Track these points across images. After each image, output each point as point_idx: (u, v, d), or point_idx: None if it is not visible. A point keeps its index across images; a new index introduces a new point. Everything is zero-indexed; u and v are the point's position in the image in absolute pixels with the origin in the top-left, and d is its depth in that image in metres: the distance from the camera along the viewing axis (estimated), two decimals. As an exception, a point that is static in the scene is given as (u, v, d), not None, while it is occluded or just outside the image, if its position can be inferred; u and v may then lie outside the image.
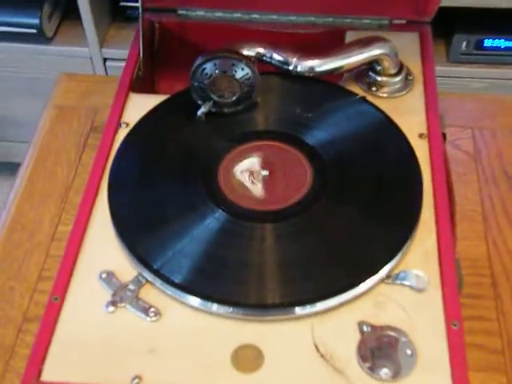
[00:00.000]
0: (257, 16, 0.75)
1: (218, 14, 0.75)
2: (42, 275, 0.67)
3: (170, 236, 0.55)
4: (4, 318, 0.64)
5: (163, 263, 0.53)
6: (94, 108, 0.83)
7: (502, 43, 1.15)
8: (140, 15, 0.69)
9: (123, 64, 1.14)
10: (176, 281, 0.52)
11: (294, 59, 0.63)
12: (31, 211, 0.72)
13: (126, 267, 0.55)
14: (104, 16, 1.24)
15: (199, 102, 0.61)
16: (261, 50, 0.63)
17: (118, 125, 0.65)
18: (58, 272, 0.55)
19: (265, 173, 0.58)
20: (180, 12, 0.76)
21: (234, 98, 0.60)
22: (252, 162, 0.58)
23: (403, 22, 0.75)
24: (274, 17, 0.75)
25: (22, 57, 1.27)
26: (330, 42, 0.73)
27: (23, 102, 1.37)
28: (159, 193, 0.58)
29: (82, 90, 0.85)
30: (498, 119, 0.81)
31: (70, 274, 0.54)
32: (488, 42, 1.14)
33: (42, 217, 0.72)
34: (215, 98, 0.60)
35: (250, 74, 0.59)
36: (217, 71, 0.58)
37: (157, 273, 0.53)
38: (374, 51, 0.64)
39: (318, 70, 0.63)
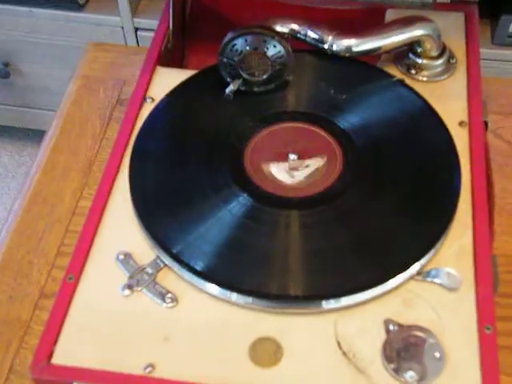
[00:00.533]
0: (294, -10, 0.72)
1: (252, -13, 0.72)
2: (60, 251, 0.65)
3: (192, 220, 0.52)
4: (21, 293, 0.62)
5: (183, 248, 0.51)
6: (122, 80, 0.80)
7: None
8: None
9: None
10: (195, 267, 0.50)
11: (330, 37, 0.59)
12: (53, 183, 0.71)
13: (144, 249, 0.53)
14: (137, -15, 1.21)
15: (228, 80, 0.58)
16: (295, 27, 0.59)
17: (144, 99, 0.62)
18: (74, 251, 0.53)
19: (293, 157, 0.55)
20: (210, -17, 0.72)
21: (264, 77, 0.57)
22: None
23: (448, 0, 0.70)
24: (315, -9, 0.71)
25: (54, 24, 1.25)
26: (368, 20, 0.70)
27: (54, 70, 1.35)
28: (182, 174, 0.55)
29: (109, 60, 0.83)
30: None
31: (87, 254, 0.52)
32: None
33: (64, 190, 0.70)
34: (245, 75, 0.57)
35: (282, 51, 0.55)
36: (248, 48, 0.55)
37: (175, 257, 0.50)
38: (416, 32, 0.60)
39: (355, 49, 0.60)
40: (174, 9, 0.68)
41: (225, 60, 0.56)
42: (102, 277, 0.51)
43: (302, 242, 0.51)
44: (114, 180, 0.57)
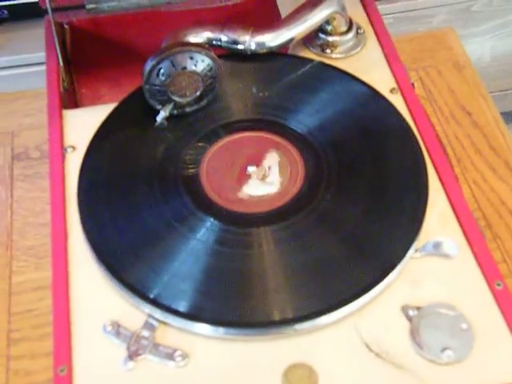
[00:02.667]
0: (176, -5, 0.68)
1: (133, 1, 0.67)
2: (11, 338, 0.58)
3: (170, 261, 0.48)
4: (-17, 399, 0.55)
5: (178, 300, 0.46)
6: (8, 133, 0.73)
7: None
8: (51, 17, 0.60)
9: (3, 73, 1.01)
10: (195, 314, 0.46)
11: (247, 37, 0.56)
12: (-25, 267, 0.63)
13: (129, 312, 0.48)
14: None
15: (158, 107, 0.53)
16: (209, 34, 0.56)
17: (64, 150, 0.56)
18: (55, 338, 0.47)
19: (252, 169, 0.52)
20: (89, 7, 0.66)
21: (197, 94, 0.53)
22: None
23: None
24: (196, -8, 0.68)
25: None
26: (261, 9, 0.68)
27: None
28: (143, 215, 0.50)
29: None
30: (437, 55, 0.78)
31: (69, 336, 0.46)
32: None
33: (-10, 272, 0.62)
34: (176, 98, 0.53)
35: (210, 63, 0.52)
36: (175, 69, 0.51)
37: (171, 311, 0.46)
38: (325, 11, 0.59)
39: (273, 44, 0.57)
40: (59, 43, 0.62)
41: (152, 88, 0.52)
42: (96, 356, 0.46)
43: (291, 257, 0.49)
44: (65, 245, 0.51)
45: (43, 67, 0.63)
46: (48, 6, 0.59)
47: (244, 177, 0.52)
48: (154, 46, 0.60)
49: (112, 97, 0.62)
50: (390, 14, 1.15)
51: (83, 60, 0.68)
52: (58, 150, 0.56)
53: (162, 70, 0.51)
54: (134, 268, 0.48)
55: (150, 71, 0.51)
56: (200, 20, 0.64)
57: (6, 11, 1.11)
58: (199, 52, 0.51)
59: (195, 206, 0.51)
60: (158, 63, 0.50)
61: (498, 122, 0.72)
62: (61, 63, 0.62)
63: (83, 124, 0.58)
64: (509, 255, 0.62)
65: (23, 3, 1.11)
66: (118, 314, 0.47)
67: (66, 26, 0.66)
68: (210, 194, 0.51)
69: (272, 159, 0.53)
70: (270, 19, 0.65)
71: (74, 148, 0.56)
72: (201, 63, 0.51)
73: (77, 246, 0.51)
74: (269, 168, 0.52)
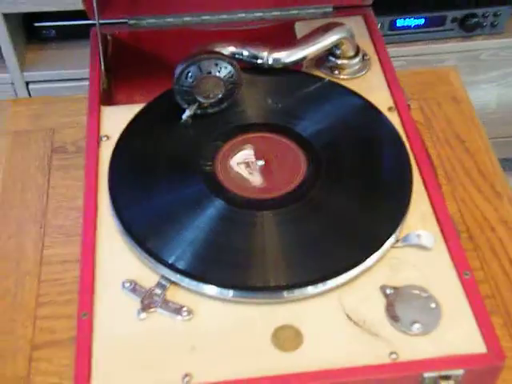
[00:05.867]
0: (207, 17, 0.77)
1: (169, 20, 0.77)
2: (39, 301, 0.66)
3: (186, 234, 0.56)
4: (10, 351, 0.62)
5: (187, 263, 0.54)
6: (50, 129, 0.82)
7: (411, 22, 1.22)
8: (97, 29, 0.69)
9: (47, 85, 1.13)
10: (203, 277, 0.53)
11: (265, 53, 0.65)
12: (11, 239, 0.71)
13: (146, 273, 0.55)
14: (20, 39, 1.21)
15: (185, 106, 0.62)
16: (232, 49, 0.65)
17: (99, 139, 0.65)
18: (80, 288, 0.54)
19: (261, 163, 0.60)
20: (131, 22, 0.76)
21: (219, 96, 0.61)
22: (246, 154, 0.60)
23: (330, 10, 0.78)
24: (224, 16, 0.77)
25: None
26: (280, 34, 0.76)
27: None
28: (165, 195, 0.59)
29: (31, 113, 0.84)
30: (438, 89, 0.86)
31: (92, 289, 0.54)
32: (399, 22, 1.21)
33: (24, 244, 0.70)
34: (201, 99, 0.61)
35: (232, 71, 0.60)
36: (201, 73, 0.59)
37: (182, 273, 0.54)
38: (335, 36, 0.68)
39: (288, 60, 0.66)
40: (102, 51, 0.71)
41: (180, 88, 0.60)
42: (114, 307, 0.53)
43: (294, 235, 0.57)
44: (95, 218, 0.59)
45: (81, 83, 0.71)
46: (96, 18, 0.69)
47: (253, 169, 0.60)
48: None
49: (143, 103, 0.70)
50: (402, 56, 1.24)
51: (121, 68, 0.77)
52: (95, 137, 0.65)
53: (190, 73, 0.59)
54: (153, 237, 0.56)
55: (180, 73, 0.59)
56: (224, 38, 0.73)
57: (53, 31, 1.23)
58: (223, 60, 0.60)
59: (209, 191, 0.59)
60: (188, 67, 0.59)
61: (487, 150, 0.80)
62: (102, 67, 0.71)
63: (117, 118, 0.66)
64: (487, 264, 0.68)
65: (69, 25, 1.22)
66: (136, 275, 0.55)
67: (109, 38, 0.76)
68: (223, 182, 0.60)
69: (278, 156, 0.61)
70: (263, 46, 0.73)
71: (108, 137, 0.65)
72: (224, 70, 0.60)
73: (105, 219, 0.59)
74: (274, 163, 0.60)
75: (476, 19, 1.20)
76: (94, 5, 0.68)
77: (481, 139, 0.81)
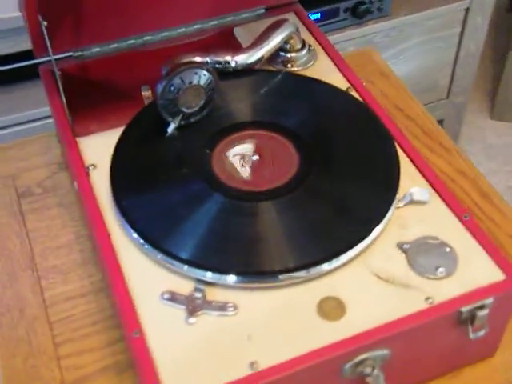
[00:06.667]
0: (149, 37, 0.79)
1: (113, 46, 0.78)
2: (56, 342, 0.65)
3: (211, 236, 0.58)
4: (43, 397, 0.61)
5: (223, 262, 0.56)
6: (9, 176, 0.80)
7: (308, 17, 1.29)
8: (54, 64, 0.70)
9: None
10: (246, 272, 0.56)
11: (229, 57, 0.68)
12: (7, 290, 0.69)
13: (177, 281, 0.57)
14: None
15: (169, 119, 0.63)
16: (198, 59, 0.67)
17: (86, 169, 0.65)
18: (122, 310, 0.55)
19: (256, 157, 0.63)
20: (76, 54, 0.76)
21: (201, 103, 0.64)
22: (242, 149, 0.64)
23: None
24: (166, 33, 0.79)
25: None
26: (224, 41, 0.80)
27: None
28: (172, 197, 0.61)
29: (-18, 164, 0.82)
30: (367, 68, 0.93)
31: (133, 308, 0.55)
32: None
33: (22, 291, 0.69)
34: (185, 110, 0.63)
35: (210, 78, 0.63)
36: (184, 84, 0.62)
37: (217, 271, 0.56)
38: (286, 31, 0.72)
39: (250, 61, 0.70)
40: (58, 88, 0.71)
41: (165, 102, 0.62)
42: (160, 319, 0.54)
43: (310, 216, 0.60)
44: (110, 242, 0.59)
45: (27, 125, 0.70)
46: (50, 53, 0.69)
47: (246, 164, 0.64)
48: (135, 83, 0.72)
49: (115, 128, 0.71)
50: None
51: (73, 101, 0.77)
52: (81, 169, 0.65)
53: (172, 87, 0.61)
54: (185, 247, 0.58)
55: (164, 88, 0.61)
56: (171, 56, 0.75)
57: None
58: (201, 68, 0.62)
59: (212, 189, 0.62)
60: (170, 80, 0.61)
61: (425, 113, 0.87)
62: (64, 102, 0.71)
63: (96, 146, 0.67)
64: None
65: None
66: (169, 285, 0.56)
67: (58, 73, 0.76)
68: (223, 179, 0.62)
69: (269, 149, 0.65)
70: (233, 48, 0.77)
71: (94, 166, 0.66)
72: (203, 77, 0.63)
73: (120, 240, 0.60)
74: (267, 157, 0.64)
75: (365, 6, 1.29)
76: (47, 40, 0.68)
77: (416, 105, 0.88)
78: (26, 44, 0.80)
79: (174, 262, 0.56)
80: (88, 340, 0.65)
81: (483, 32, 1.49)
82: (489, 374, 0.61)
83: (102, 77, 0.78)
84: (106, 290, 0.68)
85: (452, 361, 0.60)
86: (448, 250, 0.58)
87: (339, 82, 0.73)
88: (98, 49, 0.77)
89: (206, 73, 0.62)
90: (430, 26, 1.39)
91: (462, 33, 1.45)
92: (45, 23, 0.67)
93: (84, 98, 0.76)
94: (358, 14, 1.30)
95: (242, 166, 0.63)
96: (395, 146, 0.65)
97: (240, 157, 0.64)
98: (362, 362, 0.53)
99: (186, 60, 0.66)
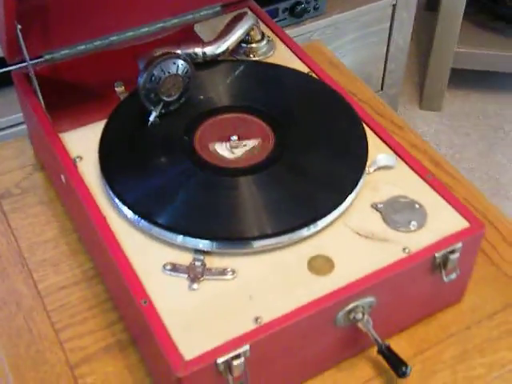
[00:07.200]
0: (115, 37, 0.83)
1: (81, 48, 0.81)
2: (56, 328, 0.68)
3: (206, 207, 0.63)
4: (54, 378, 0.64)
5: (221, 229, 0.61)
6: (-15, 180, 0.82)
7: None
8: (30, 68, 0.73)
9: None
10: (242, 237, 0.61)
11: (199, 49, 0.73)
12: (1, 286, 0.71)
13: (176, 252, 0.61)
14: None
15: (151, 108, 0.68)
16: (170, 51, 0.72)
17: (74, 161, 0.69)
18: (128, 281, 0.59)
19: (234, 138, 0.68)
20: (47, 57, 0.79)
21: (181, 91, 0.68)
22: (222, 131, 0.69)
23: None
24: (130, 33, 0.83)
25: None
26: (187, 38, 0.84)
27: None
28: (168, 182, 0.65)
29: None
30: (316, 59, 0.98)
31: (138, 279, 0.59)
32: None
33: (15, 285, 0.71)
34: (165, 98, 0.68)
35: (187, 66, 0.67)
36: (164, 73, 0.66)
37: (215, 239, 0.60)
38: (247, 23, 0.78)
39: (218, 51, 0.75)
40: (35, 90, 0.74)
41: (147, 92, 0.66)
42: (165, 288, 0.58)
43: (294, 185, 0.66)
44: (107, 224, 0.63)
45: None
46: (27, 58, 0.72)
47: (227, 143, 0.69)
48: (105, 81, 0.76)
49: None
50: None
51: (49, 101, 0.80)
52: (70, 161, 0.68)
53: (153, 77, 0.66)
54: (181, 219, 0.62)
55: (146, 78, 0.65)
56: (139, 54, 0.79)
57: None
58: (178, 57, 0.67)
59: (197, 167, 0.66)
60: (151, 70, 0.65)
61: (374, 96, 0.94)
62: (43, 105, 0.74)
63: (79, 140, 0.71)
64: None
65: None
66: (167, 257, 0.61)
67: (32, 75, 0.78)
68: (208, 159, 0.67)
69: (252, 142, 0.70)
70: (195, 43, 0.82)
71: (81, 158, 0.69)
72: (181, 66, 0.67)
73: (116, 222, 0.63)
74: (244, 145, 0.69)
75: (302, 5, 1.36)
76: (22, 44, 0.71)
77: (367, 90, 0.95)
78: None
79: (170, 234, 0.61)
80: (87, 324, 0.68)
81: (409, 27, 1.59)
82: (459, 317, 0.68)
83: (74, 77, 0.81)
84: (98, 277, 0.71)
85: (427, 306, 0.66)
86: (417, 206, 0.65)
87: (300, 68, 0.79)
88: (67, 51, 0.81)
89: (183, 62, 0.67)
90: (362, 22, 1.47)
91: (390, 27, 1.55)
92: (19, 26, 0.71)
93: (58, 98, 0.79)
94: (296, 14, 1.37)
95: (224, 146, 0.68)
96: (361, 120, 0.71)
97: (220, 138, 0.68)
98: (352, 309, 0.59)
99: (157, 53, 0.70)
